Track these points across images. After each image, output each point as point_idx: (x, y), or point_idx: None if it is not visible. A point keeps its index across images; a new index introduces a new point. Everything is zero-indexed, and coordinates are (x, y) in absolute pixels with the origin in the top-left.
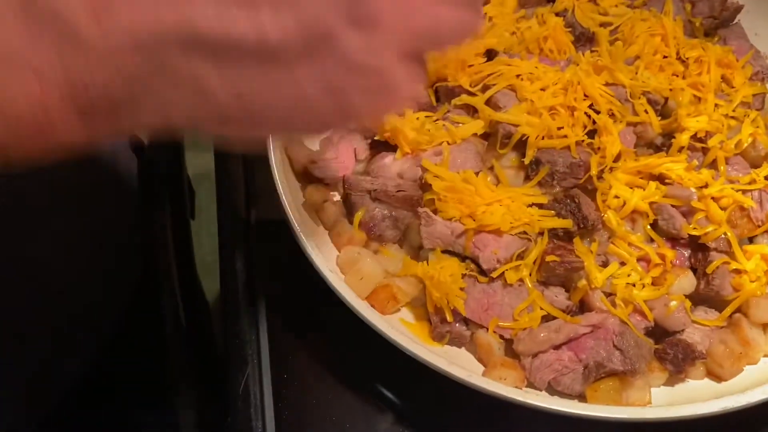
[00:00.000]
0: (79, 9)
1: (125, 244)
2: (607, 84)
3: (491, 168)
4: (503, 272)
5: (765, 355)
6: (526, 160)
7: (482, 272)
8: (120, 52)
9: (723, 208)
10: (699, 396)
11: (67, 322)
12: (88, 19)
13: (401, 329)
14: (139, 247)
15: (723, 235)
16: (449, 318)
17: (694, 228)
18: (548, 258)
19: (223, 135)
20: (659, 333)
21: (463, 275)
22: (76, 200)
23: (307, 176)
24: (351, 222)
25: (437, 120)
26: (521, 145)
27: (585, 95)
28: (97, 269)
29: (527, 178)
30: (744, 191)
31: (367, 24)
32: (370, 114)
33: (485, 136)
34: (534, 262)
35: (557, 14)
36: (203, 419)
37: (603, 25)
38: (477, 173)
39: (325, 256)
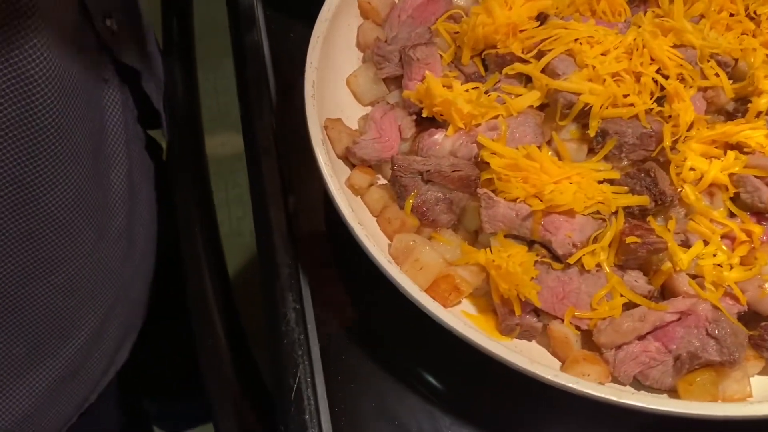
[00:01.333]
0: None
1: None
2: (674, 46)
3: (549, 142)
4: (580, 258)
5: None
6: (591, 132)
7: (556, 258)
8: None
9: None
10: None
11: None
12: None
13: (467, 323)
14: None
15: None
16: (518, 311)
17: None
18: (628, 240)
19: None
20: (750, 318)
21: (535, 262)
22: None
23: (349, 159)
24: (401, 207)
25: (488, 92)
26: (583, 116)
27: (651, 59)
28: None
29: (591, 152)
30: None
31: None
32: None
33: (541, 108)
34: (610, 245)
35: None
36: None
37: None
38: (538, 148)
39: (376, 245)
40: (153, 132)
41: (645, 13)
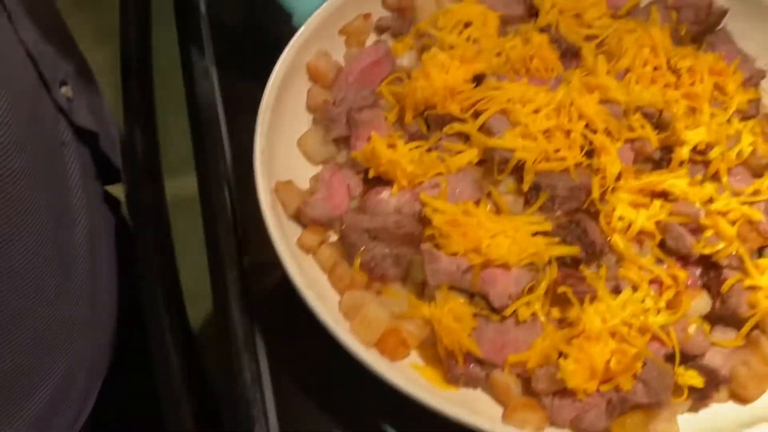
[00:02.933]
0: None
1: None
2: (600, 101)
3: (490, 194)
4: (515, 309)
5: None
6: (525, 186)
7: (493, 310)
8: None
9: (731, 223)
10: (725, 421)
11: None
12: None
13: (413, 375)
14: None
15: (734, 252)
16: (461, 362)
17: (705, 246)
18: (559, 290)
19: None
20: (681, 357)
21: (474, 314)
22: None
23: (300, 218)
24: (350, 264)
25: (430, 150)
26: (519, 170)
27: (579, 115)
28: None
29: (527, 204)
30: (750, 203)
31: None
32: None
33: (481, 163)
34: (545, 294)
35: (541, 30)
36: None
37: (589, 38)
38: (477, 202)
39: (326, 303)
40: (114, 186)
41: (577, 66)
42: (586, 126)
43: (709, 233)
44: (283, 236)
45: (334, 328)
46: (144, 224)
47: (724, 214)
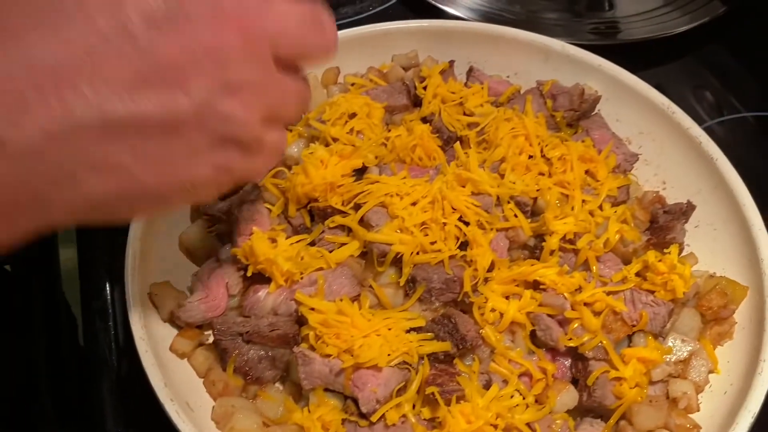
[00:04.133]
0: None
1: None
2: (473, 194)
3: (371, 287)
4: (384, 413)
5: None
6: (402, 280)
7: (362, 415)
8: (37, 147)
9: (597, 313)
10: None
11: None
12: (6, 124)
13: None
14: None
15: (600, 344)
16: None
17: (570, 339)
18: (428, 390)
19: (133, 214)
20: None
21: (344, 420)
22: None
23: (175, 321)
24: (224, 369)
25: (313, 243)
26: (399, 261)
27: (453, 208)
28: None
29: (407, 295)
30: (615, 292)
31: (236, 91)
32: (244, 170)
33: (363, 254)
34: (418, 392)
35: (425, 119)
36: None
37: (470, 125)
38: (356, 297)
39: (199, 411)
40: None
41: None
42: (460, 218)
43: (575, 325)
44: (149, 346)
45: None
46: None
47: (590, 304)
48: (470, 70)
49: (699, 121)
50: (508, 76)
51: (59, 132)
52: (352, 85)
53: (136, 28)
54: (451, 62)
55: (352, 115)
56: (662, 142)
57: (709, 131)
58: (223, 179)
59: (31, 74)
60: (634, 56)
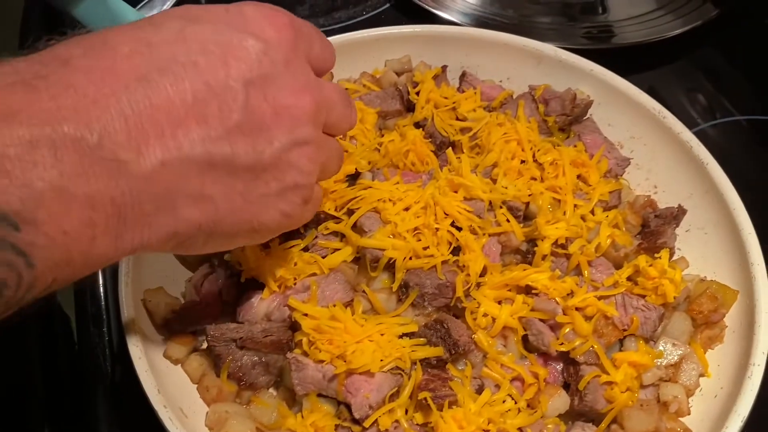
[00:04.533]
0: (125, 145)
1: None
2: (465, 199)
3: (365, 293)
4: (376, 419)
5: None
6: (394, 286)
7: (355, 421)
8: (151, 172)
9: (588, 318)
10: None
11: None
12: (131, 152)
13: None
14: None
15: (591, 348)
16: None
17: (562, 344)
18: (420, 396)
19: (202, 249)
20: None
21: (337, 426)
22: None
23: (168, 328)
24: (218, 375)
25: (306, 247)
26: (392, 266)
27: (445, 213)
28: None
29: (400, 300)
30: (607, 297)
31: (303, 146)
32: (300, 217)
33: (356, 259)
34: (411, 397)
35: (417, 124)
36: None
37: (463, 130)
38: (349, 302)
39: (193, 417)
40: None
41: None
42: (453, 223)
43: (566, 330)
44: (143, 352)
45: None
46: None
47: (581, 309)
48: (463, 75)
49: (692, 124)
50: (500, 81)
51: (170, 162)
52: (345, 90)
53: (236, 85)
54: (444, 67)
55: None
56: (654, 147)
57: (701, 134)
58: (283, 223)
59: (152, 112)
60: (628, 60)
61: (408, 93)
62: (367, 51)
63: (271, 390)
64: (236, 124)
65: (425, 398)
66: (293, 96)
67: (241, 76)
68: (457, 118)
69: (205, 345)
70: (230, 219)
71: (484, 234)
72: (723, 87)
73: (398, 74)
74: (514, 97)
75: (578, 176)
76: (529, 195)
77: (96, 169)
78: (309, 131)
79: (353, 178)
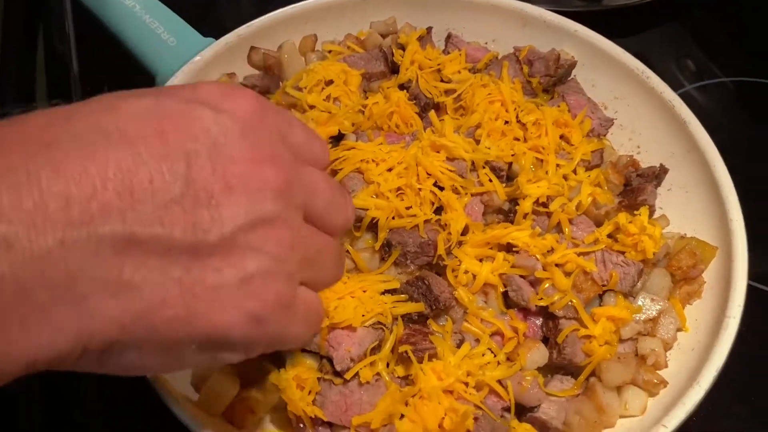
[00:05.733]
0: (11, 219)
1: None
2: (448, 159)
3: (348, 252)
4: (357, 371)
5: (622, 416)
6: (377, 245)
7: (337, 373)
8: (47, 252)
9: (568, 274)
10: None
11: None
12: (18, 226)
13: None
14: None
15: (569, 303)
16: (309, 426)
17: (541, 298)
18: (401, 348)
19: (141, 364)
20: (519, 408)
21: (319, 379)
22: None
23: None
24: None
25: None
26: (375, 226)
27: (428, 174)
28: None
29: (383, 259)
30: (587, 253)
31: (269, 224)
32: (277, 324)
33: None
34: (392, 351)
35: (402, 86)
36: None
37: (447, 92)
38: None
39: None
40: None
41: (440, 118)
42: (435, 183)
43: (546, 285)
44: None
45: (174, 409)
46: None
47: (561, 265)
48: (449, 37)
49: (678, 86)
50: (486, 43)
51: (75, 240)
52: (330, 52)
53: (175, 153)
54: (429, 29)
55: (329, 82)
56: (637, 107)
57: (687, 96)
58: (251, 332)
59: (58, 181)
60: (619, 23)
61: (392, 55)
62: (352, 13)
63: None
64: (172, 199)
65: (406, 351)
66: (252, 167)
67: (181, 146)
68: (442, 80)
69: None
70: (165, 315)
71: (466, 194)
72: (711, 50)
73: (383, 36)
74: (499, 58)
75: (561, 136)
76: (512, 155)
77: None
78: (275, 208)
79: (337, 139)
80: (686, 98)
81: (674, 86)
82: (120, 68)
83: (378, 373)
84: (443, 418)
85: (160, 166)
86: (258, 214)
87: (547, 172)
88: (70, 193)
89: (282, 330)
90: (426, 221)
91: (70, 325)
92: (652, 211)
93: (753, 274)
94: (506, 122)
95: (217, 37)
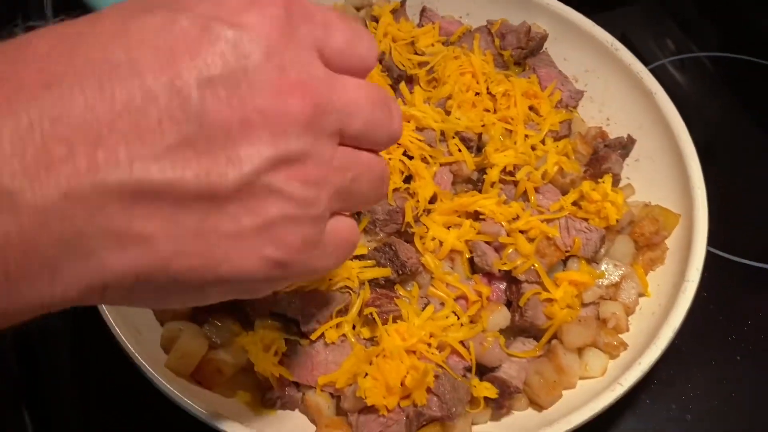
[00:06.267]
0: (15, 172)
1: None
2: (417, 129)
3: None
4: (323, 332)
5: (582, 378)
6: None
7: (303, 334)
8: (52, 205)
9: (532, 240)
10: (524, 427)
11: None
12: (22, 179)
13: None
14: None
15: (532, 267)
16: (275, 387)
17: (504, 263)
18: (365, 311)
19: (160, 304)
20: (481, 369)
21: (286, 339)
22: None
23: None
24: None
25: None
26: None
27: (397, 143)
28: None
29: None
30: (551, 220)
31: (294, 164)
32: (302, 265)
33: None
34: (359, 314)
35: None
36: None
37: (421, 65)
38: None
39: (151, 334)
40: None
41: (412, 90)
42: (405, 153)
43: (509, 250)
44: None
45: (141, 366)
46: None
47: (525, 232)
48: (423, 10)
49: (652, 59)
50: (460, 17)
51: (80, 191)
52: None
53: (188, 87)
54: (403, 2)
55: None
56: (607, 80)
57: (661, 70)
58: (275, 275)
59: (61, 126)
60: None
61: (366, 27)
62: None
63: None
64: (184, 139)
65: (371, 313)
66: (275, 97)
67: (195, 75)
68: (416, 53)
69: None
70: (181, 265)
71: (435, 163)
72: (688, 26)
73: (357, 9)
74: (472, 31)
75: (530, 108)
76: (482, 125)
77: None
78: (300, 145)
79: None
80: (660, 71)
81: (651, 61)
82: None
83: (344, 334)
84: (405, 376)
85: (170, 102)
86: (280, 152)
87: (515, 142)
88: (75, 139)
89: (309, 267)
90: (395, 189)
91: (81, 279)
92: (617, 180)
93: (716, 243)
94: (477, 94)
95: None
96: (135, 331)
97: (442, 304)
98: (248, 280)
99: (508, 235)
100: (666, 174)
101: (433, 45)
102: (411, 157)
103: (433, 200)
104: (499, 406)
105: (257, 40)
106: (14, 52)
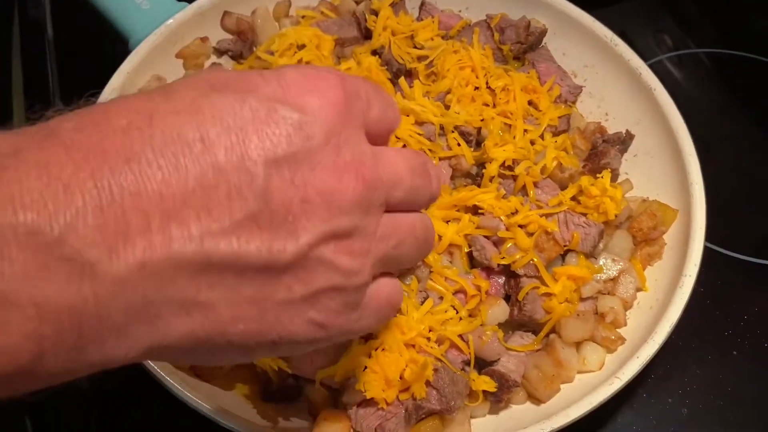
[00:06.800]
0: (94, 242)
1: None
2: (417, 123)
3: None
4: None
5: (580, 372)
6: None
7: None
8: (128, 276)
9: (531, 234)
10: (522, 420)
11: None
12: (101, 251)
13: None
14: None
15: (531, 261)
16: (275, 380)
17: (503, 257)
18: None
19: (213, 362)
20: (480, 363)
21: None
22: None
23: None
24: None
25: None
26: None
27: (396, 137)
28: None
29: None
30: (550, 215)
31: (345, 238)
32: (342, 327)
33: None
34: None
35: (374, 52)
36: None
37: (420, 59)
38: None
39: None
40: None
41: (411, 84)
42: (404, 147)
43: (508, 244)
44: None
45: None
46: None
47: (524, 226)
48: (422, 4)
49: (651, 55)
50: (460, 11)
51: (155, 263)
52: (303, 17)
53: (255, 167)
54: None
55: (301, 47)
56: (605, 75)
57: (659, 65)
58: (317, 336)
59: (138, 201)
60: None
61: (366, 20)
62: None
63: None
64: (249, 215)
65: None
66: (332, 178)
67: (262, 155)
68: (415, 47)
69: None
70: (238, 330)
71: (434, 157)
72: (686, 22)
73: (357, 2)
74: (471, 25)
75: (529, 102)
76: (481, 120)
77: (51, 271)
78: (351, 221)
79: None
80: (658, 67)
81: (647, 56)
82: (94, 32)
83: None
84: (404, 369)
85: (239, 180)
86: (333, 228)
87: (514, 137)
88: (151, 213)
89: (349, 328)
90: None
91: (145, 342)
92: (615, 175)
93: (714, 238)
94: (476, 88)
95: (190, 1)
96: None
97: (441, 298)
98: (294, 342)
99: (507, 229)
100: (664, 169)
101: (432, 39)
102: None
103: None
104: (497, 400)
105: (320, 123)
106: (95, 127)
